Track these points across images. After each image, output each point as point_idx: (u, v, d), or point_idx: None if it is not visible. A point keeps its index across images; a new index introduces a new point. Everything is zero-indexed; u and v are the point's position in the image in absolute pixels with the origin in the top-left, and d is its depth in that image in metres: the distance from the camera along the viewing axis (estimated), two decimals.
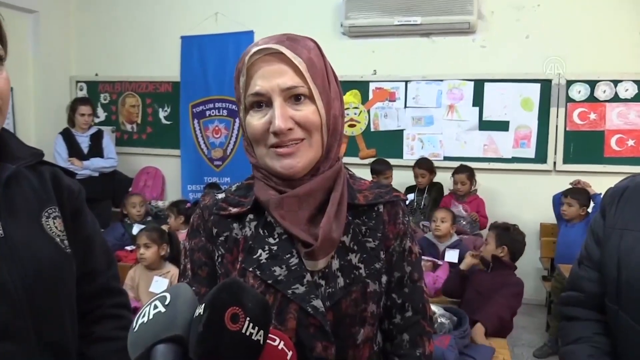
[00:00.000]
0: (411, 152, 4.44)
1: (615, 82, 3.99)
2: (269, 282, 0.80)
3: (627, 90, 3.99)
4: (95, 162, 4.31)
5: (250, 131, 0.82)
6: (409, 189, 4.16)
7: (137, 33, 5.02)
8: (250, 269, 0.81)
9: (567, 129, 4.11)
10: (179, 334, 0.62)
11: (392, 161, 4.22)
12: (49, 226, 0.89)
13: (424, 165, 4.07)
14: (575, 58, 4.02)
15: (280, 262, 0.81)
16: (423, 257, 2.77)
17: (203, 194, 3.38)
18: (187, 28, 4.82)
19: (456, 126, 4.34)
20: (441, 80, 4.33)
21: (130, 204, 3.86)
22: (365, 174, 3.41)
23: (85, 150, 4.33)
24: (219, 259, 0.86)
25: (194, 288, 0.85)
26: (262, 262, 0.81)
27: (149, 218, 3.96)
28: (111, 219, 4.20)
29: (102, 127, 4.65)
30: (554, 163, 4.13)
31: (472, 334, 2.06)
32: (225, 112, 4.87)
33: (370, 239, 0.86)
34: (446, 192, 4.11)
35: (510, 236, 2.56)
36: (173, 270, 2.66)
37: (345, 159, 4.33)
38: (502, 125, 4.23)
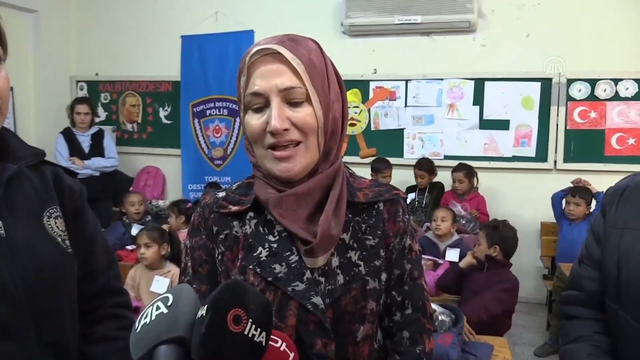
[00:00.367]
0: (411, 151, 4.44)
1: (616, 81, 3.99)
2: (269, 279, 0.80)
3: (627, 88, 3.98)
4: (97, 162, 4.31)
5: (249, 131, 0.82)
6: (410, 188, 4.16)
7: (138, 32, 5.02)
8: (251, 267, 0.82)
9: (568, 127, 4.10)
10: (181, 335, 0.62)
11: (393, 160, 4.22)
12: (50, 226, 0.89)
13: (424, 167, 4.07)
14: (576, 57, 4.02)
15: (280, 259, 0.81)
16: (424, 255, 2.77)
17: (204, 193, 3.38)
18: (187, 27, 4.82)
19: (456, 125, 4.33)
20: (441, 79, 4.33)
21: (129, 203, 3.83)
22: (365, 173, 3.42)
23: (86, 150, 4.33)
24: (219, 257, 0.86)
25: (194, 286, 0.86)
26: (262, 259, 0.82)
27: (148, 217, 3.94)
28: (112, 218, 4.20)
29: (102, 127, 4.65)
30: (555, 162, 4.13)
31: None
32: (225, 112, 4.87)
33: (370, 237, 0.86)
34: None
35: (499, 234, 2.56)
36: (174, 269, 2.66)
37: (346, 158, 4.33)
38: (503, 124, 4.23)
